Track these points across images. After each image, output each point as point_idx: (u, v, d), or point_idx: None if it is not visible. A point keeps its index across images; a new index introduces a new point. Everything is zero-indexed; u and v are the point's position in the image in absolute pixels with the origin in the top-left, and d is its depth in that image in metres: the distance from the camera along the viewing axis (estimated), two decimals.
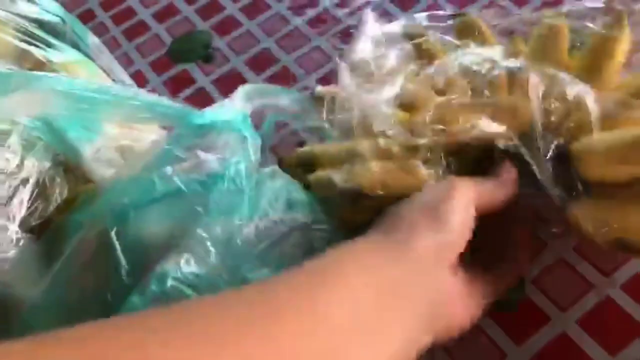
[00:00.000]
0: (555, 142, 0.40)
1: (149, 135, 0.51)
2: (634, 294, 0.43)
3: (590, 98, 0.40)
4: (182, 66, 0.68)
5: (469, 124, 0.40)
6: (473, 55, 0.48)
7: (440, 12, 0.55)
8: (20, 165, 0.40)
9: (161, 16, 0.74)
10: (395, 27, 0.54)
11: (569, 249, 0.46)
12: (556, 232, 0.43)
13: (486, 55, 0.48)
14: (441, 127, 0.41)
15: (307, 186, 0.44)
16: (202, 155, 0.41)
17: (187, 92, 0.66)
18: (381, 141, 0.42)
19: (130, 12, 0.76)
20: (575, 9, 0.46)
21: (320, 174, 0.44)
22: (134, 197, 0.40)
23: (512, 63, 0.45)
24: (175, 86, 0.67)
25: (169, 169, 0.40)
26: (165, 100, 0.45)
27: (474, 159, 0.43)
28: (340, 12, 0.68)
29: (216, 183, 0.40)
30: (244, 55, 0.67)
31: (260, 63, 0.66)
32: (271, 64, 0.66)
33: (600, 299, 0.44)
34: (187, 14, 0.73)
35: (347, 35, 0.61)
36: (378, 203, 0.40)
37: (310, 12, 0.70)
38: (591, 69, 0.43)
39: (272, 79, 0.65)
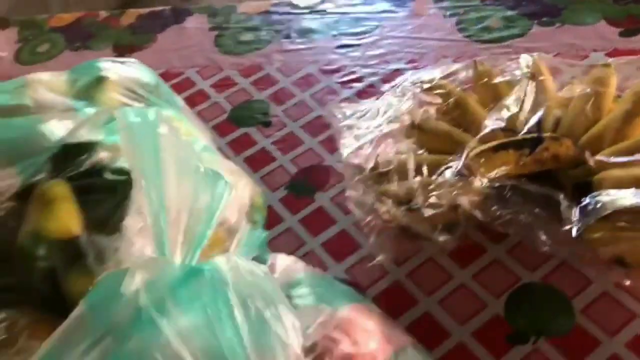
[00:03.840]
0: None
1: None
2: None
3: None
4: (244, 130, 0.76)
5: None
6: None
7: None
8: None
9: (219, 87, 0.83)
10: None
11: (613, 284, 0.53)
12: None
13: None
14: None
15: None
16: None
17: (249, 152, 0.73)
18: None
19: (189, 83, 0.84)
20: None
21: None
22: None
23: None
24: (238, 147, 0.74)
25: None
26: None
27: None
28: (385, 86, 0.77)
29: None
30: (299, 121, 0.75)
31: (315, 127, 0.74)
32: (326, 129, 0.73)
33: None
34: (244, 86, 0.82)
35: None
36: None
37: (357, 86, 0.79)
38: (629, 118, 0.53)
39: (326, 142, 0.72)
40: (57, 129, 0.47)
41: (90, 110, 0.54)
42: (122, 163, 0.48)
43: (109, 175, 0.47)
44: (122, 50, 0.93)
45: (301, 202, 0.66)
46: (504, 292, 0.55)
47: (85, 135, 0.48)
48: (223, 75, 0.84)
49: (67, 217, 0.47)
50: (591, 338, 0.51)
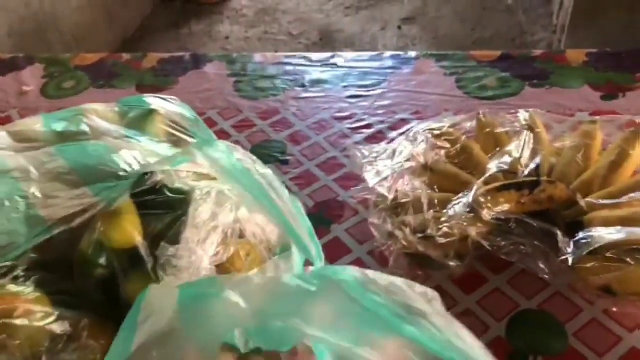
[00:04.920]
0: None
1: None
2: None
3: None
4: None
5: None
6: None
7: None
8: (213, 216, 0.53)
9: (239, 128, 0.90)
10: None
11: (600, 312, 0.60)
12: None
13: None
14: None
15: None
16: None
17: None
18: None
19: (211, 123, 0.91)
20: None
21: None
22: None
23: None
24: None
25: None
26: None
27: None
28: (393, 133, 0.85)
29: None
30: (315, 161, 0.83)
31: (329, 166, 0.81)
32: (339, 168, 0.81)
33: (628, 348, 0.57)
34: (262, 127, 0.89)
35: None
36: None
37: (367, 132, 0.87)
38: (614, 167, 0.61)
39: (339, 180, 0.79)
40: (129, 159, 0.54)
41: (145, 140, 0.61)
42: (180, 184, 0.55)
43: (168, 194, 0.54)
44: (145, 90, 1.00)
45: (318, 233, 0.71)
46: (504, 317, 0.61)
47: (158, 167, 0.54)
48: (243, 117, 0.92)
49: (129, 228, 0.53)
50: (583, 358, 0.57)
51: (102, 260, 0.53)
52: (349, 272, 0.37)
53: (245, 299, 0.36)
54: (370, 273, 0.38)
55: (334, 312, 0.36)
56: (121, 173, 0.52)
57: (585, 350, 0.58)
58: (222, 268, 0.55)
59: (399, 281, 0.37)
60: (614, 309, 0.59)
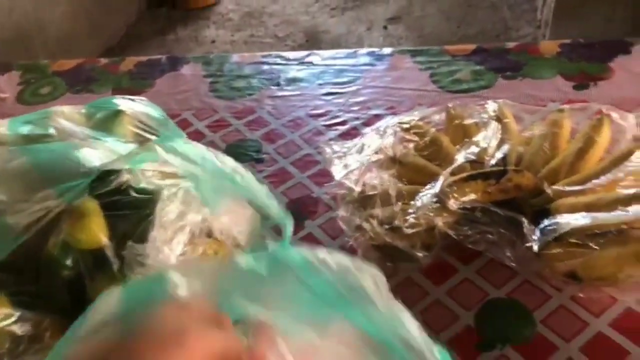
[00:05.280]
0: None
1: None
2: (618, 329, 0.57)
3: None
4: None
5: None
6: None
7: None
8: (180, 215, 0.53)
9: (214, 128, 0.90)
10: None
11: (568, 298, 0.60)
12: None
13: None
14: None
15: None
16: None
17: None
18: None
19: (186, 123, 0.91)
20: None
21: None
22: None
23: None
24: None
25: None
26: None
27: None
28: (367, 129, 0.85)
29: None
30: (289, 158, 0.83)
31: (303, 164, 0.82)
32: (313, 165, 0.81)
33: (594, 333, 0.57)
34: (237, 127, 0.90)
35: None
36: None
37: (341, 128, 0.87)
38: (580, 154, 0.61)
39: (314, 177, 0.80)
40: (91, 157, 0.54)
41: (111, 140, 0.61)
42: (145, 184, 0.55)
43: (133, 194, 0.54)
44: (122, 93, 0.99)
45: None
46: (474, 306, 0.61)
47: (117, 165, 0.54)
48: (218, 117, 0.92)
49: (95, 229, 0.53)
50: (550, 344, 0.57)
51: (69, 261, 0.53)
52: (299, 254, 0.37)
53: (191, 283, 0.36)
54: (322, 254, 0.38)
55: (282, 294, 0.36)
56: (82, 170, 0.52)
57: (553, 336, 0.58)
58: None
59: (346, 261, 0.37)
60: (581, 295, 0.59)
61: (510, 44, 0.99)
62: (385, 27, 2.61)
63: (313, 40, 2.57)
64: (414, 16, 2.66)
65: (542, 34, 2.38)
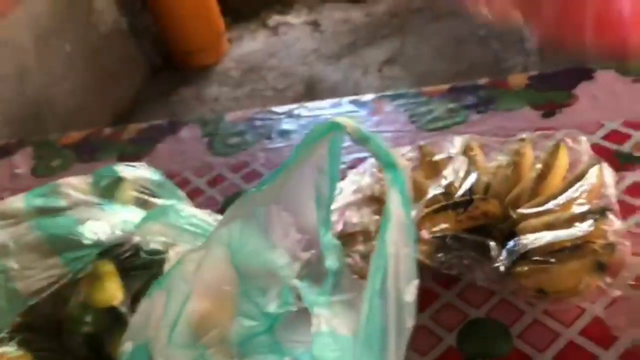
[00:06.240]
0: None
1: None
2: (588, 336, 0.62)
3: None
4: None
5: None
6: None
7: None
8: None
9: (212, 183, 0.97)
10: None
11: (541, 312, 0.65)
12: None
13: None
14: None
15: None
16: None
17: None
18: None
19: (186, 182, 0.98)
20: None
21: None
22: None
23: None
24: None
25: None
26: None
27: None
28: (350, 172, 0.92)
29: None
30: None
31: None
32: None
33: (566, 342, 0.62)
34: (234, 181, 0.97)
35: None
36: None
37: None
38: (540, 179, 0.68)
39: None
40: (96, 229, 0.62)
41: (115, 207, 0.68)
42: (154, 245, 0.62)
43: (143, 255, 0.61)
44: (126, 159, 1.07)
45: None
46: (455, 327, 0.67)
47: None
48: (215, 173, 0.99)
49: (112, 290, 0.60)
50: (526, 356, 0.62)
51: (88, 319, 0.60)
52: None
53: None
54: None
55: None
56: (85, 242, 0.60)
57: (527, 348, 0.63)
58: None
59: None
60: (550, 308, 0.64)
61: (482, 81, 1.06)
62: (380, 70, 2.71)
63: (311, 90, 2.67)
64: (408, 56, 2.76)
65: (533, 61, 2.45)
